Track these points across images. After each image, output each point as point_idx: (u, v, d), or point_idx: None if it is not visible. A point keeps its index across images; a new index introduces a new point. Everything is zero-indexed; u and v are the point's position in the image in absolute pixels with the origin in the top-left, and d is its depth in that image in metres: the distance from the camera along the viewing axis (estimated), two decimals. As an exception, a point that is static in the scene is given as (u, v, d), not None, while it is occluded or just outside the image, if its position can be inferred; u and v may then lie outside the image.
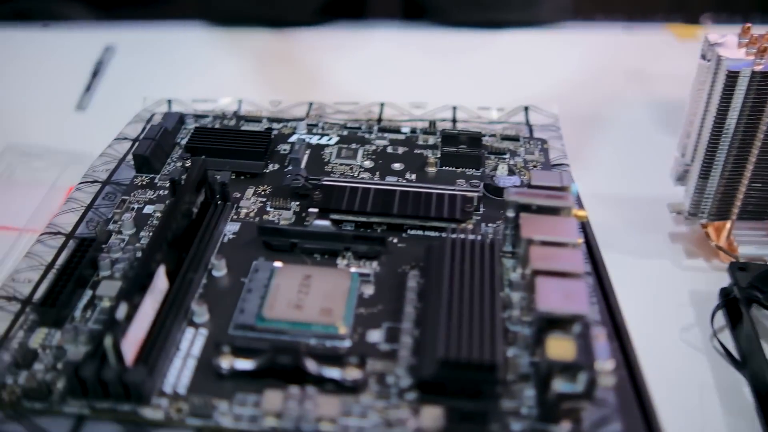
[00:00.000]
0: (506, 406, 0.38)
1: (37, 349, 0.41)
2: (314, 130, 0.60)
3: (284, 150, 0.57)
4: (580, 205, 0.52)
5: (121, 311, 0.37)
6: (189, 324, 0.43)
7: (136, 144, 0.56)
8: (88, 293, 0.44)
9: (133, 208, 0.51)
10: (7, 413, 0.38)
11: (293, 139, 0.58)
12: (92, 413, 0.38)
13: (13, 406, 0.38)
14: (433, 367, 0.38)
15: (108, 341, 0.36)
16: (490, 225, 0.50)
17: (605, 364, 0.36)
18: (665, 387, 0.41)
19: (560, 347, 0.37)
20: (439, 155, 0.56)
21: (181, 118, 0.60)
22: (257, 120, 0.61)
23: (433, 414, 0.37)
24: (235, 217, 0.50)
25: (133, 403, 0.38)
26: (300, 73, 0.81)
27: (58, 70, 0.84)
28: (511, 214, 0.46)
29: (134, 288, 0.39)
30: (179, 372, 0.40)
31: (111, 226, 0.49)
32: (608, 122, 0.72)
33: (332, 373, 0.39)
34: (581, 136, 0.68)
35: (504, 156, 0.56)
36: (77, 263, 0.44)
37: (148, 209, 0.51)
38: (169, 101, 0.64)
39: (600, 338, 0.37)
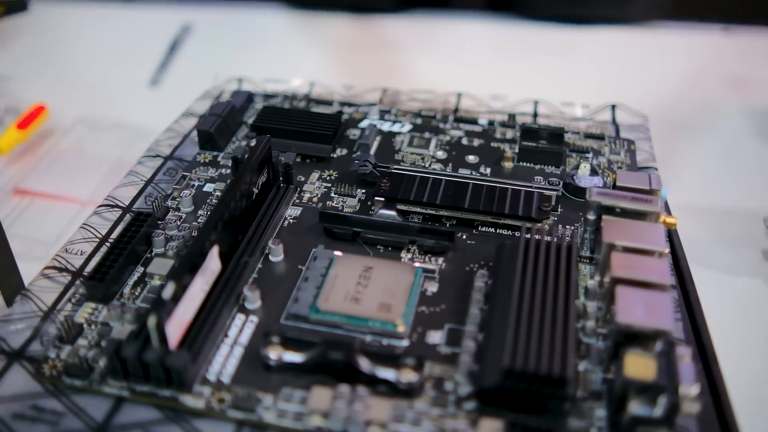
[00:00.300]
0: (574, 425, 0.34)
1: (83, 324, 0.39)
2: (386, 117, 0.57)
3: (354, 135, 0.55)
4: (669, 212, 0.48)
5: (168, 291, 0.35)
6: (240, 310, 0.40)
7: (201, 120, 0.54)
8: (140, 270, 0.43)
9: (193, 185, 0.49)
10: (46, 387, 0.37)
11: (364, 124, 0.56)
12: (132, 396, 0.36)
13: (53, 381, 0.37)
14: (497, 376, 0.34)
15: (152, 321, 0.34)
16: (567, 227, 0.46)
17: (690, 388, 0.32)
18: (753, 419, 0.37)
19: (639, 365, 0.33)
20: (517, 150, 0.52)
21: (250, 97, 0.58)
22: (328, 103, 0.58)
23: (492, 427, 0.34)
24: (297, 201, 0.48)
25: (174, 389, 0.36)
26: (377, 60, 0.79)
27: (134, 46, 0.83)
28: (592, 216, 0.43)
29: (184, 267, 0.36)
30: (225, 360, 0.38)
31: (169, 203, 0.48)
32: (702, 129, 0.66)
33: (386, 373, 0.36)
34: (671, 141, 0.63)
35: (587, 155, 0.52)
36: (131, 238, 0.43)
37: (209, 187, 0.49)
38: (240, 80, 0.63)
39: (685, 359, 0.33)
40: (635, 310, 0.35)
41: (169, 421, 0.35)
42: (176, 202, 0.48)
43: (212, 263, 0.39)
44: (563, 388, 0.34)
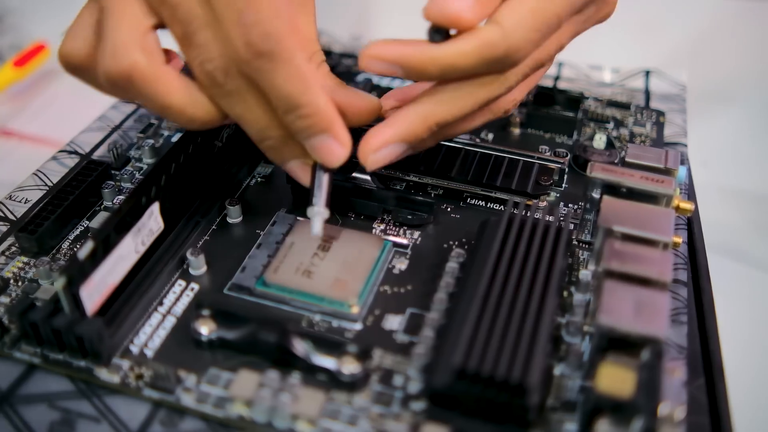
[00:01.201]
0: (535, 440, 0.29)
1: (9, 280, 0.36)
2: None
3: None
4: (689, 196, 0.41)
5: (84, 250, 0.31)
6: (182, 276, 0.36)
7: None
8: (86, 224, 0.39)
9: (162, 135, 0.45)
10: (-45, 348, 0.33)
11: (360, 77, 0.50)
12: (43, 364, 0.32)
13: (-37, 341, 0.33)
14: (447, 377, 0.29)
15: (60, 283, 0.30)
16: (571, 206, 0.40)
17: (674, 410, 0.26)
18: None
19: (615, 377, 0.28)
20: (527, 114, 0.46)
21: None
22: (327, 53, 0.53)
23: (435, 435, 0.29)
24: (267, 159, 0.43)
25: (90, 361, 0.32)
26: (388, 8, 0.72)
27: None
28: (595, 194, 0.37)
29: (110, 225, 0.32)
30: (153, 331, 0.33)
31: (132, 152, 0.43)
32: (747, 106, 0.58)
33: (324, 361, 0.31)
34: (710, 116, 0.56)
35: (606, 124, 0.46)
36: (75, 188, 0.39)
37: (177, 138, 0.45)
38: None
39: (675, 373, 0.28)
40: (623, 309, 0.30)
41: (79, 395, 0.31)
42: (139, 153, 0.43)
43: (151, 222, 0.35)
44: (523, 396, 0.28)
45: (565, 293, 0.35)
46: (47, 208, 0.38)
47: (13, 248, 0.37)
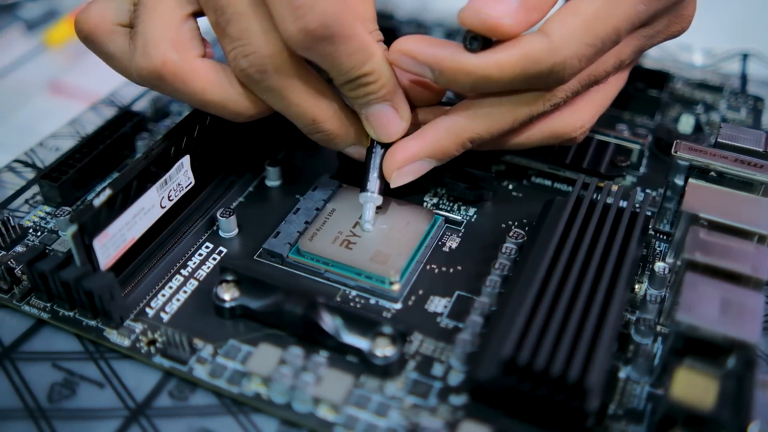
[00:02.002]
0: (592, 451, 0.25)
1: (29, 229, 0.33)
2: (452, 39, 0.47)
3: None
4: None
5: (101, 197, 0.28)
6: (210, 238, 0.33)
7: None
8: (115, 176, 0.36)
9: (206, 91, 0.42)
10: (-38, 297, 0.31)
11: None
12: (52, 320, 0.29)
13: (-28, 289, 0.31)
14: (492, 369, 0.25)
15: (71, 230, 0.27)
16: (649, 191, 0.35)
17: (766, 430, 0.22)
18: None
19: (693, 384, 0.23)
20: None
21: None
22: (388, 17, 0.49)
23: (474, 435, 0.25)
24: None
25: (101, 321, 0.29)
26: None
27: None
28: (678, 180, 0.32)
29: (132, 174, 0.29)
30: (173, 294, 0.30)
31: (174, 107, 0.41)
32: None
33: (356, 341, 0.27)
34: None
35: (694, 107, 0.41)
36: (106, 138, 0.36)
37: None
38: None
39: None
40: (706, 308, 0.25)
41: (86, 357, 0.29)
42: (181, 107, 0.40)
43: (181, 176, 0.32)
44: (581, 399, 0.24)
45: (637, 287, 0.31)
46: (74, 156, 0.35)
47: (38, 197, 0.35)
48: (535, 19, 0.28)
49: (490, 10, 0.27)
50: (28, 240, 0.33)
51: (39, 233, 0.33)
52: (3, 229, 0.32)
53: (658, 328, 0.29)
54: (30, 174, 0.36)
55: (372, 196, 0.32)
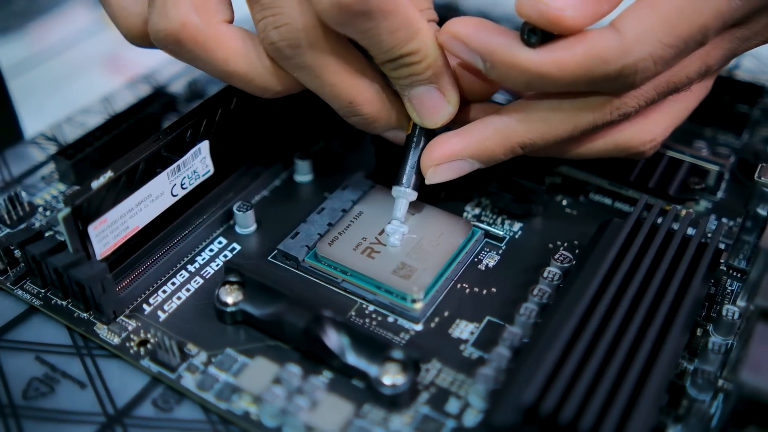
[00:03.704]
0: None
1: (38, 208, 0.31)
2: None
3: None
4: None
5: (101, 179, 0.25)
6: (225, 232, 0.30)
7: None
8: (138, 158, 0.34)
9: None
10: (-42, 275, 0.29)
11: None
12: (44, 308, 0.27)
13: (-31, 269, 0.29)
14: (511, 415, 0.21)
15: (63, 213, 0.24)
16: (726, 221, 0.31)
17: None
18: None
19: (754, 464, 0.19)
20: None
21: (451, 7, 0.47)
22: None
23: (482, 492, 0.21)
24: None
25: (94, 314, 0.27)
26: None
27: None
28: (762, 210, 0.28)
29: (139, 156, 0.27)
30: (175, 291, 0.28)
31: (212, 87, 0.38)
32: None
33: (363, 364, 0.24)
34: None
35: (789, 127, 0.36)
36: (131, 116, 0.34)
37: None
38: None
39: None
40: (779, 367, 0.21)
41: (72, 352, 0.26)
42: (217, 88, 0.38)
43: (197, 162, 0.29)
44: (614, 463, 0.20)
45: (699, 331, 0.26)
46: (95, 134, 0.33)
47: (54, 174, 0.33)
48: (604, 11, 0.24)
49: (551, 1, 0.23)
50: (35, 219, 0.31)
51: (48, 212, 0.31)
52: (10, 205, 0.30)
53: (720, 382, 0.24)
54: (53, 149, 0.35)
55: (406, 191, 0.28)
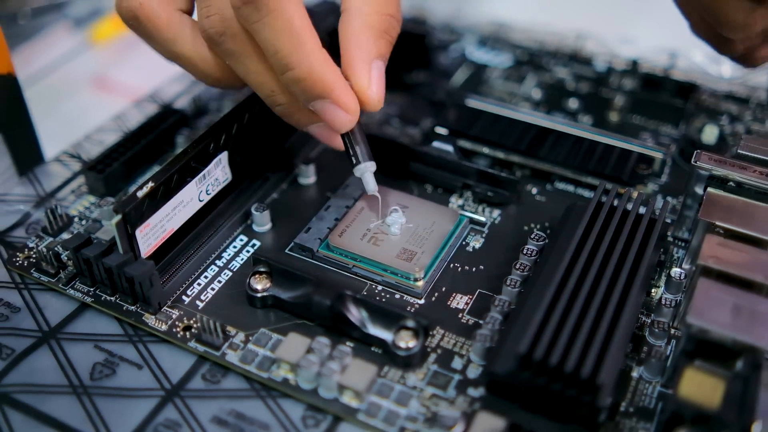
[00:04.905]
0: (602, 445, 0.26)
1: (74, 218, 0.35)
2: (485, 46, 0.48)
3: (442, 61, 0.47)
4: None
5: (144, 189, 0.30)
6: (245, 231, 0.35)
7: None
8: (156, 169, 0.38)
9: (245, 92, 0.44)
10: (12, 278, 0.33)
11: (454, 50, 0.48)
12: (95, 304, 0.31)
13: (21, 272, 0.32)
14: (509, 363, 0.26)
15: (115, 219, 0.29)
16: (670, 200, 0.36)
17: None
18: None
19: (701, 385, 0.24)
20: (630, 99, 0.42)
21: (334, 7, 0.52)
22: (421, 21, 0.50)
23: (490, 425, 0.26)
24: (350, 122, 0.41)
25: (140, 306, 0.31)
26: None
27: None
28: (698, 189, 0.33)
29: (174, 168, 0.31)
30: (208, 283, 0.32)
31: (212, 104, 0.42)
32: None
33: (381, 332, 0.29)
34: None
35: (719, 117, 0.42)
36: (148, 133, 0.38)
37: (260, 95, 0.43)
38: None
39: (773, 389, 0.24)
40: (718, 312, 0.26)
41: (126, 339, 0.30)
42: (218, 104, 0.42)
43: (219, 171, 0.33)
44: (593, 395, 0.25)
45: (654, 291, 0.32)
46: (118, 149, 0.37)
47: (82, 188, 0.37)
48: None
49: None
50: (73, 228, 0.35)
51: (84, 222, 0.35)
52: (51, 217, 0.34)
53: (672, 331, 0.30)
54: (76, 166, 0.38)
55: (366, 165, 0.32)
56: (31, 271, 0.32)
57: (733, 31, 0.33)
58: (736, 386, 0.24)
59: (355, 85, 0.30)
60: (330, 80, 0.29)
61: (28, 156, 0.38)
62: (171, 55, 0.32)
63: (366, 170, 0.32)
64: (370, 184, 0.33)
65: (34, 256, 0.33)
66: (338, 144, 0.32)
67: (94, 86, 0.58)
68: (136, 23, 0.31)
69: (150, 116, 0.39)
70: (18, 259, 0.33)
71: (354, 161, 0.32)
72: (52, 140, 0.40)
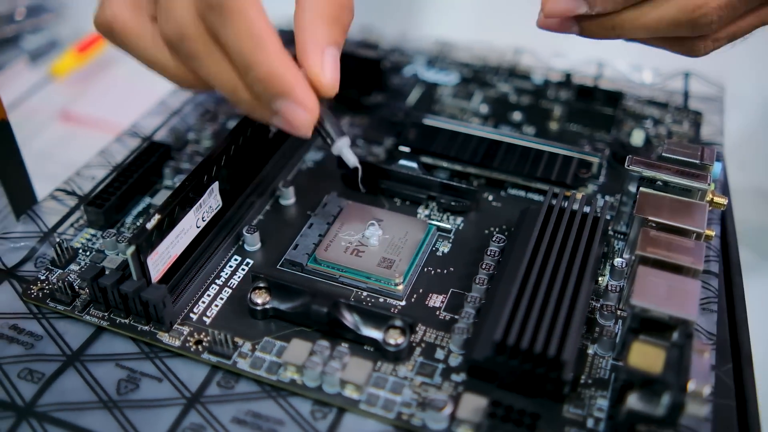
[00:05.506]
0: (568, 413, 0.31)
1: (78, 250, 0.38)
2: (434, 66, 0.53)
3: (396, 83, 0.51)
4: (724, 192, 0.43)
5: (152, 221, 0.33)
6: (237, 252, 0.38)
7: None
8: (147, 201, 0.41)
9: (218, 121, 0.48)
10: (30, 309, 0.36)
11: (407, 71, 0.52)
12: (111, 327, 0.35)
13: (38, 303, 0.36)
14: (487, 350, 0.31)
15: (130, 250, 0.32)
16: (608, 198, 0.42)
17: (701, 387, 0.28)
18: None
19: (647, 354, 0.29)
20: (566, 111, 0.48)
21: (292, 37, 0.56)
22: (374, 46, 0.55)
23: (474, 404, 0.31)
24: (319, 144, 0.45)
25: (153, 325, 0.34)
26: (435, 7, 0.74)
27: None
28: (632, 188, 0.38)
29: (175, 199, 0.35)
30: (211, 301, 0.36)
31: (190, 135, 0.46)
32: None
33: (372, 333, 0.33)
34: (747, 118, 0.57)
35: (644, 121, 0.47)
36: (139, 167, 0.41)
37: (233, 124, 0.47)
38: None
39: (703, 354, 0.29)
40: (655, 293, 0.31)
41: (143, 357, 0.34)
42: (197, 136, 0.46)
43: (211, 199, 0.37)
44: (559, 370, 0.30)
45: (600, 279, 0.37)
46: (113, 184, 0.40)
47: (81, 221, 0.40)
48: None
49: None
50: (80, 259, 0.38)
51: (88, 253, 0.38)
52: (59, 250, 0.37)
53: (618, 312, 0.35)
54: (71, 200, 0.42)
55: (342, 140, 0.35)
56: (47, 301, 0.36)
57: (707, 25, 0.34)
58: (673, 354, 0.29)
59: (308, 71, 0.32)
60: (290, 80, 0.31)
61: (22, 197, 0.41)
62: (144, 61, 0.33)
63: (343, 146, 0.35)
64: (350, 159, 0.35)
65: (47, 287, 0.36)
66: (304, 133, 0.33)
67: (61, 119, 0.60)
68: (111, 35, 0.33)
69: (138, 150, 0.43)
70: (33, 291, 0.36)
71: (329, 142, 0.35)
72: (30, 174, 0.43)
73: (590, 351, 0.33)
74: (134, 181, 0.41)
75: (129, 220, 0.40)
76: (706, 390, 0.28)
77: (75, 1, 0.74)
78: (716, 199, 0.37)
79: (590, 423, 0.30)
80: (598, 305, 0.35)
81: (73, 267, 0.37)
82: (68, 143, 0.58)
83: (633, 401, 0.29)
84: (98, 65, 0.66)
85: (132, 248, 0.32)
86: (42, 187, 0.43)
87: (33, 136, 0.58)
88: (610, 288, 0.35)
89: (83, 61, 0.66)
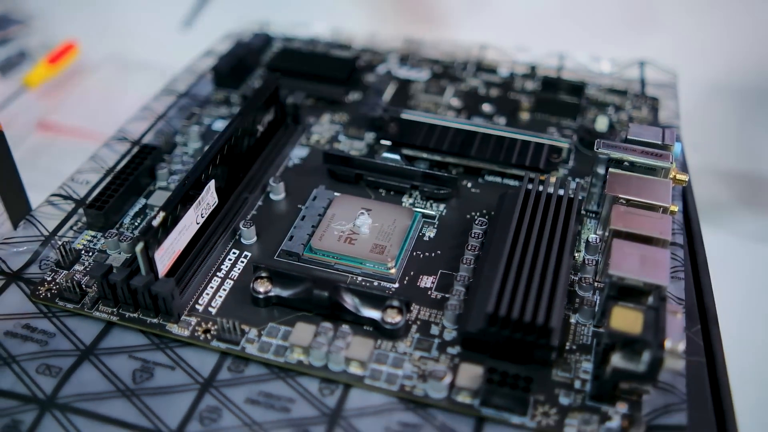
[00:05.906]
0: (557, 376, 0.34)
1: (81, 251, 0.40)
2: (405, 64, 0.56)
3: (370, 80, 0.54)
4: (683, 170, 0.46)
5: (158, 219, 0.35)
6: (235, 245, 0.40)
7: (219, 59, 0.54)
8: (142, 202, 0.43)
9: (203, 123, 0.49)
10: (40, 309, 0.37)
11: (380, 69, 0.55)
12: (120, 321, 0.36)
13: (47, 303, 0.37)
14: (479, 323, 0.34)
15: (139, 247, 0.34)
16: (578, 180, 0.45)
17: (677, 344, 0.31)
18: (749, 386, 0.35)
19: (626, 318, 0.32)
20: (534, 100, 0.51)
21: (268, 39, 0.58)
22: (346, 47, 0.57)
23: (471, 373, 0.33)
24: (304, 141, 0.48)
25: (161, 318, 0.36)
26: (402, 7, 0.76)
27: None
28: (600, 170, 0.41)
29: (177, 198, 0.36)
30: (215, 292, 0.38)
31: (178, 138, 0.48)
32: (743, 93, 0.63)
33: (371, 313, 0.36)
34: (705, 103, 0.61)
35: (606, 108, 0.51)
36: (134, 170, 0.43)
37: (219, 125, 0.49)
38: (264, 23, 0.62)
39: (676, 315, 0.32)
40: (629, 263, 0.34)
41: (154, 347, 0.36)
42: (184, 138, 0.48)
43: (209, 197, 0.39)
44: (547, 337, 0.33)
45: (576, 255, 0.40)
46: (110, 187, 0.42)
47: (80, 223, 0.42)
48: None
49: None
50: (83, 260, 0.39)
51: (90, 254, 0.40)
52: (63, 252, 0.39)
53: (595, 284, 0.38)
54: (67, 205, 0.43)
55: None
56: (56, 300, 0.37)
57: None
58: (650, 316, 0.32)
59: None
60: None
61: (17, 205, 0.43)
62: None
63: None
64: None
65: (54, 287, 0.38)
66: None
67: (38, 129, 0.61)
68: None
69: (131, 154, 0.44)
70: (41, 291, 0.38)
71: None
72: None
73: (572, 320, 0.36)
74: (130, 183, 0.42)
75: (127, 220, 0.42)
76: (681, 346, 0.31)
77: (43, 11, 0.75)
78: (678, 176, 0.40)
79: (577, 384, 0.33)
80: (577, 278, 0.38)
81: (78, 267, 0.39)
82: (48, 151, 0.59)
83: (617, 360, 0.32)
84: (70, 74, 0.67)
85: (141, 245, 0.34)
86: (30, 195, 0.44)
87: (13, 147, 0.59)
88: (586, 262, 0.38)
89: (55, 71, 0.67)
